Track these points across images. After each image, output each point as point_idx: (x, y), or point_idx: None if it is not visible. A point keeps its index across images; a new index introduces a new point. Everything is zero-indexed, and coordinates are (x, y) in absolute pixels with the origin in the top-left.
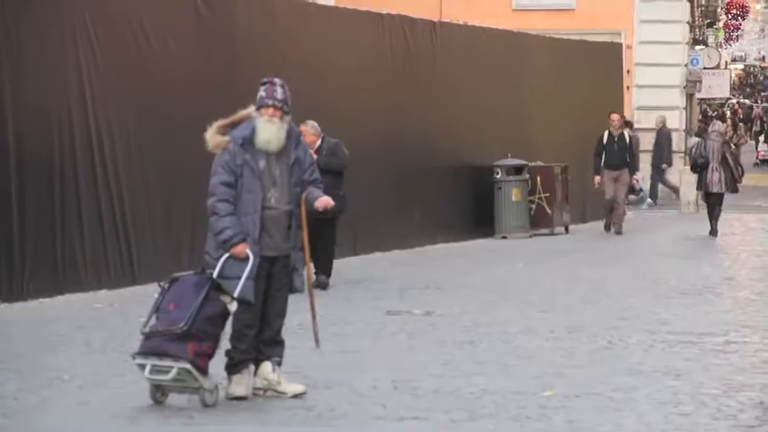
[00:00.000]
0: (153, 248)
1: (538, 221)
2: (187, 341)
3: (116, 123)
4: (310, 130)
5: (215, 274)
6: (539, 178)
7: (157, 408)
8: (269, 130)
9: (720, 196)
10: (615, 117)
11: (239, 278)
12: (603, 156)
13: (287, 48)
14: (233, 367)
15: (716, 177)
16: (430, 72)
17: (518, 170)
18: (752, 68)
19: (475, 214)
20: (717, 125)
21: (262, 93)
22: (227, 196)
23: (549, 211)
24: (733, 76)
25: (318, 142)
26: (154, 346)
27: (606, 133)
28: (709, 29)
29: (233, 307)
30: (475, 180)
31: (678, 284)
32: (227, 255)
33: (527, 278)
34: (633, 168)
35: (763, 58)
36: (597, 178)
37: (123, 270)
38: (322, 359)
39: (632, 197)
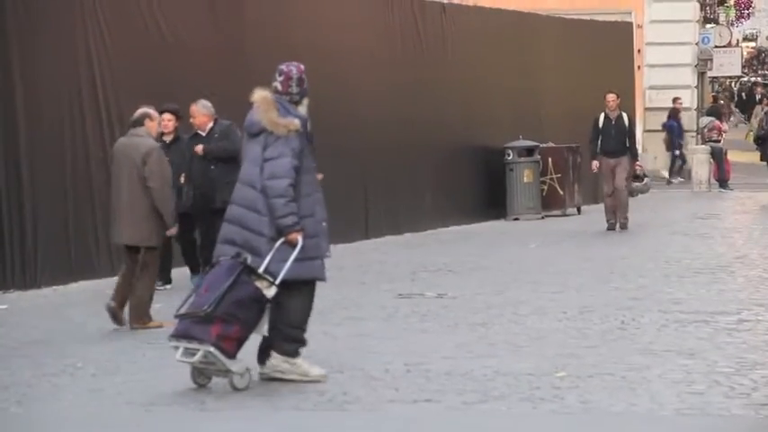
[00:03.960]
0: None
1: (550, 202)
2: (211, 324)
3: (127, 110)
4: (201, 110)
5: (267, 258)
6: (550, 159)
7: (170, 394)
8: None
9: None
10: (611, 97)
11: (285, 261)
12: (600, 141)
13: (297, 31)
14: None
15: None
16: (440, 54)
17: (529, 151)
18: None
19: (487, 196)
20: None
21: (306, 85)
22: (294, 181)
23: (561, 192)
24: (745, 53)
25: (210, 124)
26: (182, 328)
27: (602, 116)
28: (720, 7)
29: (270, 292)
30: (486, 162)
31: (690, 263)
32: (282, 240)
33: (539, 259)
34: (634, 154)
35: None
36: (595, 163)
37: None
38: (334, 343)
39: (636, 185)
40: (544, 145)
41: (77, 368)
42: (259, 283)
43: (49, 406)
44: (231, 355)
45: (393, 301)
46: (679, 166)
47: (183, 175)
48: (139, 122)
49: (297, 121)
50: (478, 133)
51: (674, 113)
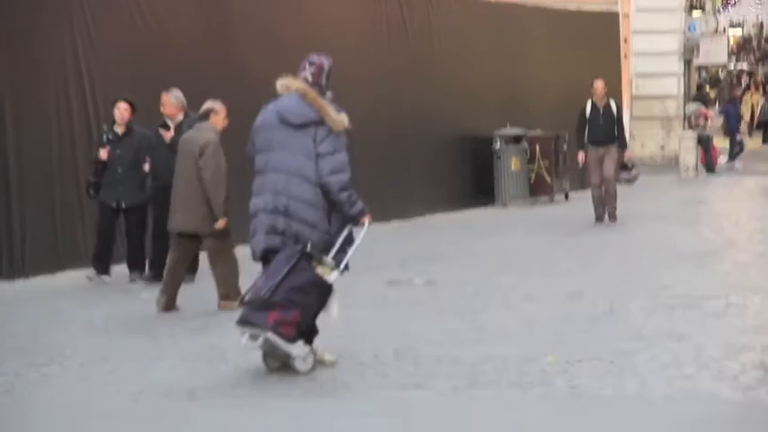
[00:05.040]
0: None
1: (537, 189)
2: (269, 310)
3: (113, 100)
4: (173, 101)
5: (335, 247)
6: (537, 147)
7: (159, 383)
8: None
9: None
10: (599, 85)
11: (347, 251)
12: (587, 130)
13: (284, 25)
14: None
15: None
16: (427, 44)
17: (517, 139)
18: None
19: (475, 184)
20: None
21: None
22: (350, 175)
23: (549, 179)
24: (731, 41)
25: (180, 117)
26: (244, 315)
27: (589, 104)
28: None
29: (332, 277)
30: (474, 150)
31: (679, 249)
32: (349, 228)
33: (527, 246)
34: (623, 143)
35: (762, 23)
36: (581, 155)
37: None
38: (324, 330)
39: (625, 175)
40: (531, 133)
41: (66, 357)
42: (321, 269)
43: (37, 395)
44: (291, 339)
45: (382, 288)
46: (737, 152)
47: (149, 161)
48: (205, 117)
49: (345, 116)
50: (466, 122)
51: (731, 99)
